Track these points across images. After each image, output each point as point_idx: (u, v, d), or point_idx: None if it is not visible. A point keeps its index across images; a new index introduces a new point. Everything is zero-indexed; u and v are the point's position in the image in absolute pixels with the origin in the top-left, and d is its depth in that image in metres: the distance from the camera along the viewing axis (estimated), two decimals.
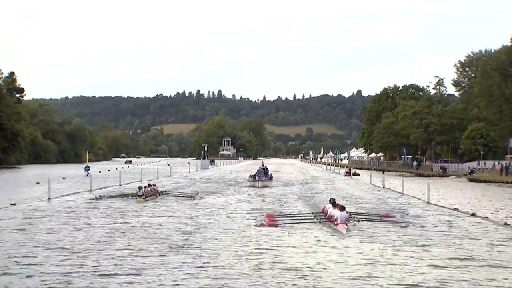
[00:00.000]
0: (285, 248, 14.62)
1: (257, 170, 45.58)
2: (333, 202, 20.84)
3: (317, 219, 20.16)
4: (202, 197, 31.26)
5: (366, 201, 31.72)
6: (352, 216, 20.25)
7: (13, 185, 45.38)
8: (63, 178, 52.25)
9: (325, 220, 19.66)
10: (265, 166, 48.74)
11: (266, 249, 14.44)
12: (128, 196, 29.48)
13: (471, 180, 59.79)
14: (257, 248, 14.49)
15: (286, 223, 19.38)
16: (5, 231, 17.66)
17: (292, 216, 21.68)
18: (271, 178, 44.79)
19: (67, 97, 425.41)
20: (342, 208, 18.76)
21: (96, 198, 28.99)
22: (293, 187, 43.28)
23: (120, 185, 41.59)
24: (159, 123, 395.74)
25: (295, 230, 17.89)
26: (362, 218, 20.73)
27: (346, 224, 17.90)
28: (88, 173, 60.42)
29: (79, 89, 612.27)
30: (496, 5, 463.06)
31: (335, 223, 18.20)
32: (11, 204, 26.31)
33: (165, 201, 28.65)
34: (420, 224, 19.94)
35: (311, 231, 17.94)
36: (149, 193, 29.46)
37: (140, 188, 29.42)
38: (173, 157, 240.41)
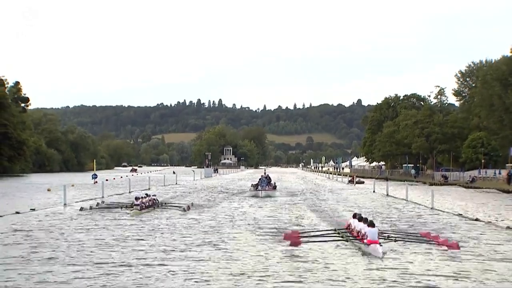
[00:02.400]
0: (310, 270, 12.81)
1: (260, 179, 43.58)
2: (359, 217, 18.08)
3: (342, 237, 17.73)
4: (201, 209, 28.61)
5: (371, 207, 32.33)
6: (384, 233, 17.75)
7: (25, 192, 45.93)
8: (72, 186, 53.08)
9: (351, 237, 17.32)
10: (268, 175, 46.07)
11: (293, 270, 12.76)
12: (121, 207, 27.39)
13: (471, 188, 60.06)
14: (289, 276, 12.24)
15: (309, 241, 17.09)
16: (34, 232, 19.17)
17: (314, 233, 19.09)
18: (274, 187, 42.61)
19: (68, 106, 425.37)
20: (371, 224, 16.22)
21: (90, 207, 27.74)
22: (299, 197, 40.87)
23: (130, 192, 42.54)
24: (159, 132, 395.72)
25: (321, 250, 15.66)
26: (397, 236, 17.85)
27: (380, 244, 15.34)
28: (96, 181, 61.34)
29: (80, 98, 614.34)
30: (497, 16, 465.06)
31: (366, 241, 15.56)
32: (31, 209, 27.53)
33: (163, 213, 26.07)
34: (473, 247, 16.75)
35: (338, 251, 15.79)
36: (147, 204, 26.99)
37: (137, 198, 26.97)
38: (174, 165, 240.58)
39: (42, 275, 12.24)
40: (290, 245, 16.23)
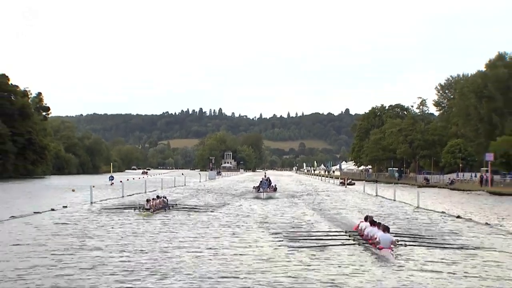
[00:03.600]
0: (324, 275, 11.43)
1: (261, 181, 41.90)
2: (371, 221, 16.35)
3: (353, 240, 16.10)
4: (212, 211, 27.01)
5: (359, 206, 32.86)
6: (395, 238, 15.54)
7: (53, 192, 46.38)
8: (93, 187, 53.71)
9: (363, 241, 15.50)
10: (268, 177, 44.07)
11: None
12: (134, 209, 25.80)
13: (451, 189, 60.88)
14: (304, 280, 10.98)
15: (318, 245, 15.39)
16: (73, 225, 20.11)
17: (322, 235, 17.52)
18: (275, 189, 41.25)
19: (81, 114, 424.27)
20: (385, 229, 14.55)
21: (102, 208, 27.07)
22: (299, 198, 39.68)
23: (145, 192, 42.53)
24: (165, 138, 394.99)
25: (331, 254, 13.98)
26: (409, 241, 16.12)
27: (392, 249, 13.67)
28: (112, 183, 61.77)
29: (92, 107, 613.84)
30: (472, 34, 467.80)
31: (378, 247, 13.83)
32: (63, 206, 28.29)
33: (174, 215, 24.24)
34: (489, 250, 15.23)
35: (351, 255, 13.95)
36: (158, 206, 25.32)
37: (148, 200, 25.38)
38: (179, 169, 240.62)
39: (94, 259, 13.10)
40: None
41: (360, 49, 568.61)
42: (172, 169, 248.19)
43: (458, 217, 25.57)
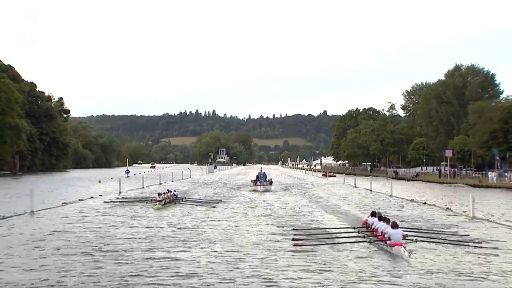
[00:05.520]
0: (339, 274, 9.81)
1: (257, 175, 40.16)
2: (379, 216, 14.71)
3: (364, 236, 14.16)
4: (218, 202, 25.49)
5: (343, 195, 33.43)
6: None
7: (82, 183, 47.11)
8: (111, 179, 53.83)
9: (373, 237, 13.77)
10: (264, 172, 42.52)
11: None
12: (147, 201, 24.48)
13: (416, 181, 62.21)
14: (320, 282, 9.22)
15: (328, 242, 13.39)
16: (112, 209, 21.40)
17: (332, 231, 15.47)
18: (271, 183, 39.01)
19: (92, 115, 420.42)
20: (395, 225, 12.87)
21: (117, 199, 26.09)
22: (294, 191, 38.08)
23: (160, 183, 43.27)
24: (166, 136, 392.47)
25: (343, 251, 12.28)
26: (417, 236, 14.20)
27: (404, 246, 12.02)
28: (128, 175, 62.63)
29: (101, 108, 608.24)
30: (435, 46, 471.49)
31: (390, 243, 12.26)
32: (99, 195, 29.65)
33: (184, 208, 22.65)
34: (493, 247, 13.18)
35: (364, 252, 12.26)
36: (168, 199, 23.88)
37: (159, 194, 24.14)
38: (179, 163, 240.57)
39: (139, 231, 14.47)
40: (294, 245, 12.72)
41: (338, 59, 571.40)
42: (173, 163, 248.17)
43: (425, 203, 26.81)
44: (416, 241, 13.34)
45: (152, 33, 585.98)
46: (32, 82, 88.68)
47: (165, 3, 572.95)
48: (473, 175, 60.67)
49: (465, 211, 22.48)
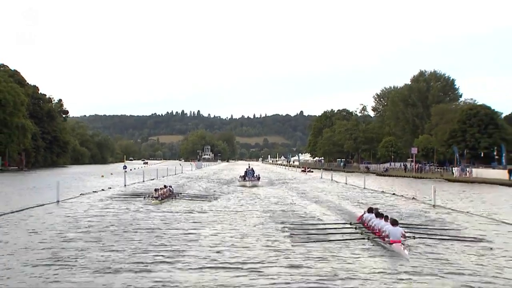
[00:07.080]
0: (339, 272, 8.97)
1: (245, 171, 39.63)
2: (376, 213, 13.53)
3: (361, 233, 13.05)
4: (215, 198, 24.22)
5: (324, 188, 34.18)
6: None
7: (87, 178, 47.17)
8: (111, 174, 54.29)
9: (371, 234, 12.57)
10: (252, 168, 41.76)
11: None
12: (144, 197, 23.02)
13: (386, 175, 63.71)
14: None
15: (325, 238, 12.39)
16: (121, 198, 22.50)
17: (327, 227, 14.30)
18: (258, 178, 38.00)
19: (85, 115, 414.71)
20: (394, 223, 11.68)
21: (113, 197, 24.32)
22: (280, 185, 37.96)
23: (157, 178, 43.73)
24: (154, 134, 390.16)
25: (341, 248, 11.23)
26: (415, 232, 13.08)
27: (403, 244, 11.00)
28: (125, 171, 62.52)
29: (94, 108, 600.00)
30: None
31: (389, 241, 11.20)
32: (108, 188, 30.65)
33: (180, 203, 21.57)
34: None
35: (362, 249, 11.18)
36: (165, 195, 22.94)
37: (156, 190, 23.14)
38: (167, 160, 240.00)
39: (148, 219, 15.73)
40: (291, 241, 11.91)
41: (314, 62, 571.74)
42: (162, 160, 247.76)
43: (394, 194, 28.25)
44: (414, 238, 12.17)
45: (140, 40, 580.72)
46: (35, 85, 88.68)
47: (160, 5, 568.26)
48: (436, 170, 62.95)
49: (429, 200, 23.31)
